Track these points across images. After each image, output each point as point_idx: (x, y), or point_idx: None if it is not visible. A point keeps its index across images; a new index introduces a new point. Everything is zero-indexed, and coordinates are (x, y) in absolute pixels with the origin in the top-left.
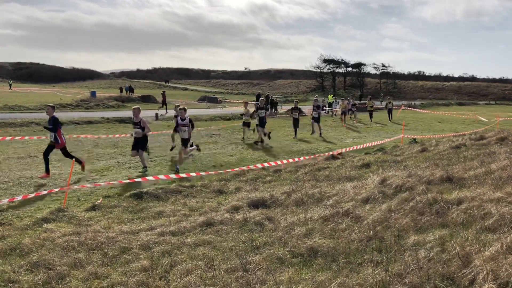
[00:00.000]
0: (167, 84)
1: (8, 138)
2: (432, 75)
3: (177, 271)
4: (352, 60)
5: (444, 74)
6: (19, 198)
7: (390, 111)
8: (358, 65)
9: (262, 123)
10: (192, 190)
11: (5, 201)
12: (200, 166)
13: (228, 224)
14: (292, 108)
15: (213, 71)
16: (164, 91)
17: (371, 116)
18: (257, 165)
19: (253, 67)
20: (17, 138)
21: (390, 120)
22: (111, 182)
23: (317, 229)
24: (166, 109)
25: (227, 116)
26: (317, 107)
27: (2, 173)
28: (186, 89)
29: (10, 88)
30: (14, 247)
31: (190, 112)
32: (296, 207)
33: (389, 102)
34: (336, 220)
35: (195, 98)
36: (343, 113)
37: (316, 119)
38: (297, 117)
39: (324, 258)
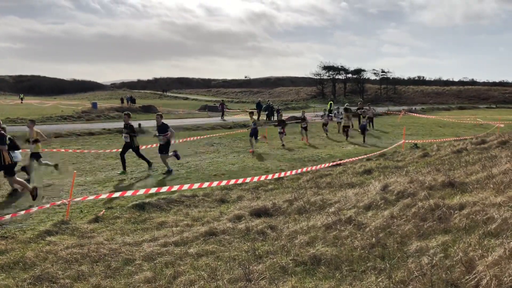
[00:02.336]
0: (165, 93)
1: None
2: (432, 79)
3: (181, 282)
4: (352, 66)
5: (444, 78)
6: (22, 212)
7: (363, 129)
8: (358, 71)
9: None
10: (194, 200)
11: (8, 216)
12: (201, 175)
13: (231, 233)
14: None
15: (214, 80)
16: (222, 101)
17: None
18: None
19: (253, 75)
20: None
21: (364, 142)
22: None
23: (320, 237)
24: (222, 116)
25: (228, 124)
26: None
27: (5, 186)
28: (187, 98)
29: (21, 102)
30: (17, 261)
31: (191, 121)
32: (298, 215)
33: (363, 111)
34: (338, 228)
35: (196, 107)
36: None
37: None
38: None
39: (327, 266)
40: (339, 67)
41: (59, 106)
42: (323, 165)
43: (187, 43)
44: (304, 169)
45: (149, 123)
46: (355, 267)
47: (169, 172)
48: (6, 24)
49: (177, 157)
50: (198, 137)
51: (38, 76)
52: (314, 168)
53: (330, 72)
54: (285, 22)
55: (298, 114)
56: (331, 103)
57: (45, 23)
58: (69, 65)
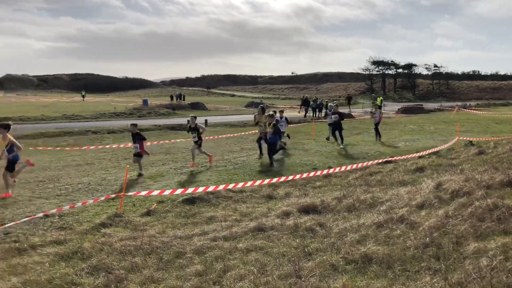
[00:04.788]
0: (209, 90)
1: (66, 148)
2: (488, 74)
3: (231, 276)
4: (402, 61)
5: (502, 72)
6: (79, 204)
7: (337, 128)
8: (409, 66)
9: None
10: (242, 195)
11: (67, 207)
12: (248, 171)
13: (279, 229)
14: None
15: (260, 76)
16: (305, 96)
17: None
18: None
19: (299, 71)
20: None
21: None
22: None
23: (371, 235)
24: (306, 111)
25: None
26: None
27: (63, 180)
28: (233, 95)
29: (83, 99)
30: (76, 251)
31: (238, 118)
32: (348, 213)
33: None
34: (390, 226)
35: (243, 104)
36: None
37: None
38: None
39: (379, 265)
40: (389, 62)
41: (111, 103)
42: (372, 162)
43: (233, 40)
44: (354, 166)
45: (198, 120)
46: (408, 267)
47: None
48: (61, 25)
49: None
50: (246, 132)
51: (92, 74)
52: (363, 165)
53: (380, 67)
54: (332, 16)
55: (346, 110)
56: (381, 99)
57: (97, 23)
58: (120, 63)
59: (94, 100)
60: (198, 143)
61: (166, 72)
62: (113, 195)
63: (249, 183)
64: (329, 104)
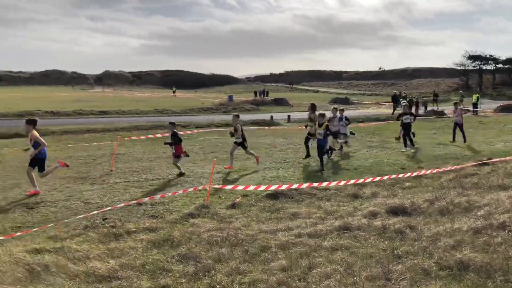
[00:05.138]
0: (292, 86)
1: (158, 135)
2: None
3: (316, 274)
4: (502, 55)
5: None
6: (169, 194)
7: (406, 130)
8: (510, 60)
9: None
10: (326, 193)
11: (158, 196)
12: (332, 168)
13: (366, 230)
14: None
15: (345, 72)
16: (394, 92)
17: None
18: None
19: (387, 67)
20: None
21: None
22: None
23: (467, 241)
24: (394, 108)
25: (360, 118)
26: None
27: (154, 171)
28: (317, 91)
29: (174, 94)
30: (166, 239)
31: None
32: (440, 216)
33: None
34: (489, 233)
35: (326, 100)
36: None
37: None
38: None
39: (477, 273)
40: (487, 56)
41: (199, 99)
42: (467, 164)
43: (318, 36)
44: (447, 168)
45: (281, 116)
46: (511, 278)
47: None
48: (153, 24)
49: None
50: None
51: (182, 71)
52: (457, 166)
53: (476, 62)
54: (425, 9)
55: (433, 108)
56: (477, 96)
57: (187, 21)
58: (207, 60)
59: (183, 96)
60: (245, 146)
61: (250, 68)
62: (201, 187)
63: (334, 183)
64: (401, 101)
